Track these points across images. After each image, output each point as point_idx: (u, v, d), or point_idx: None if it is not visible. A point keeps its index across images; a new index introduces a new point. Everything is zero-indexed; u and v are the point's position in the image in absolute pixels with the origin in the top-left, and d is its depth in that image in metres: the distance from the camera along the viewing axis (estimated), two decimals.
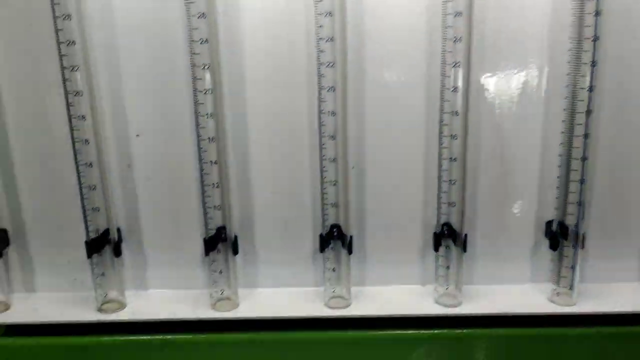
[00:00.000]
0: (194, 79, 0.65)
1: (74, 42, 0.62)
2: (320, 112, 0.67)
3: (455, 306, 0.74)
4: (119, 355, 0.74)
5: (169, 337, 0.74)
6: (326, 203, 0.71)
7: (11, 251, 0.76)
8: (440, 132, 0.69)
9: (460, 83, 0.65)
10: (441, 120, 0.68)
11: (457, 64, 0.64)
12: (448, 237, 0.73)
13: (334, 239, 0.73)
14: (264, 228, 0.76)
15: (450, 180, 0.69)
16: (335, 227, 0.72)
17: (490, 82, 0.70)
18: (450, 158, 0.68)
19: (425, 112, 0.71)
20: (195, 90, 0.65)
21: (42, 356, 0.75)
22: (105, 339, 0.74)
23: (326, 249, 0.73)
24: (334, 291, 0.75)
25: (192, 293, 0.78)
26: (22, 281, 0.78)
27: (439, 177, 0.70)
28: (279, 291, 0.78)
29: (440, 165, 0.69)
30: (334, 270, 0.73)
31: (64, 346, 0.74)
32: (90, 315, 0.72)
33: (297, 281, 0.78)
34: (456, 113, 0.66)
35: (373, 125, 0.71)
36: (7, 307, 0.75)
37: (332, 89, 0.65)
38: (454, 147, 0.68)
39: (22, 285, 0.78)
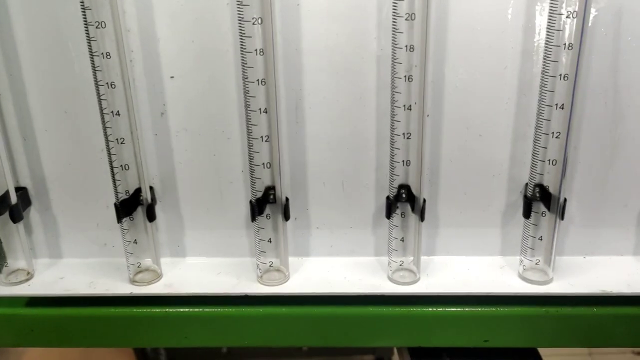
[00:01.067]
0: (240, 5, 0.52)
1: None
2: (394, 45, 0.54)
3: (545, 283, 0.62)
4: (154, 328, 0.66)
5: (208, 309, 0.65)
6: (395, 160, 0.59)
7: (33, 212, 0.67)
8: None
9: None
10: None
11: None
12: (540, 201, 0.60)
13: (402, 201, 0.61)
14: (318, 189, 0.65)
15: (552, 133, 0.56)
16: (404, 188, 0.61)
17: None
18: (556, 105, 0.54)
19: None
20: (241, 19, 0.53)
21: (69, 328, 0.67)
22: (138, 310, 0.65)
23: (393, 214, 0.61)
24: (401, 263, 0.63)
25: (236, 262, 0.68)
26: (46, 246, 0.69)
27: (537, 127, 0.57)
28: (335, 261, 0.68)
29: (539, 113, 0.56)
30: (402, 240, 0.62)
31: (94, 317, 0.65)
32: (122, 287, 0.64)
33: (357, 250, 0.68)
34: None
35: (455, 62, 0.58)
36: (30, 275, 0.66)
37: (412, 16, 0.52)
38: (559, 90, 0.54)
39: (46, 251, 0.69)
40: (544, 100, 0.56)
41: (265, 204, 0.61)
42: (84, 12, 0.53)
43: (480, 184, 0.64)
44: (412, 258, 0.63)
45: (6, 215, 0.63)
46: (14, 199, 0.62)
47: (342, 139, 0.62)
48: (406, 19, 0.53)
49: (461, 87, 0.59)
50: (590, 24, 0.54)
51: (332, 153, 0.63)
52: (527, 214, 0.61)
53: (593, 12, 0.54)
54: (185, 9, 0.57)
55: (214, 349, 1.62)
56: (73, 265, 0.68)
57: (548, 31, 0.53)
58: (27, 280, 0.66)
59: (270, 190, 0.61)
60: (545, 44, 0.54)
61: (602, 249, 0.66)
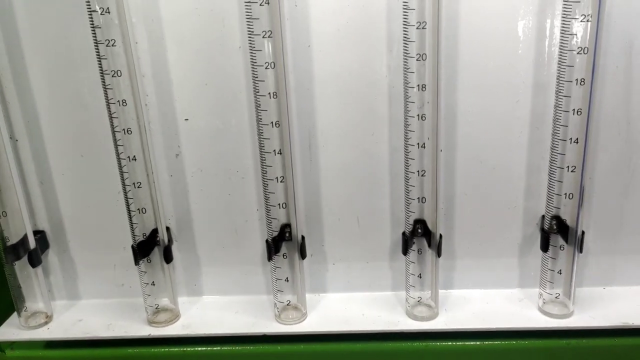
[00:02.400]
0: (253, 49, 0.53)
1: (107, 10, 0.51)
2: (406, 84, 0.54)
3: (566, 316, 0.61)
4: None
5: (226, 348, 0.65)
6: (410, 197, 0.59)
7: (51, 254, 0.67)
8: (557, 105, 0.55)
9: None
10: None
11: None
12: (558, 234, 0.60)
13: (418, 236, 0.61)
14: (334, 225, 0.65)
15: (567, 167, 0.55)
16: (420, 223, 0.61)
17: None
18: (570, 139, 0.54)
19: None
20: (254, 64, 0.54)
21: None
22: (156, 350, 0.65)
23: (409, 250, 0.61)
24: (419, 299, 0.63)
25: (252, 299, 0.68)
26: (64, 287, 0.69)
27: (552, 161, 0.57)
28: (352, 297, 0.67)
29: (553, 147, 0.56)
30: (419, 276, 0.62)
31: (112, 358, 0.65)
32: (140, 329, 0.64)
33: (374, 285, 0.67)
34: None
35: (466, 98, 0.59)
36: (49, 318, 0.66)
37: (423, 56, 0.53)
38: (573, 125, 0.54)
39: (64, 292, 0.70)
40: (558, 134, 0.55)
41: (282, 242, 0.61)
42: (99, 61, 0.54)
43: (495, 216, 0.63)
44: (430, 293, 0.63)
45: (25, 259, 0.63)
46: (32, 243, 0.63)
47: (356, 175, 0.62)
48: (417, 60, 0.53)
49: (473, 122, 0.60)
50: (601, 58, 0.54)
51: (346, 189, 0.63)
52: (545, 247, 0.60)
53: (604, 46, 0.54)
54: (198, 53, 0.58)
55: None
56: (91, 306, 0.69)
57: (559, 66, 0.54)
58: (46, 323, 0.66)
59: (285, 228, 0.61)
60: (557, 78, 0.54)
61: (621, 279, 0.66)
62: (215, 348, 0.65)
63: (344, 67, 0.58)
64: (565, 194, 0.57)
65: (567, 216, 0.59)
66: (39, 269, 0.65)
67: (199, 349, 0.65)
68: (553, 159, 0.57)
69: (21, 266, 0.64)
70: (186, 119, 0.61)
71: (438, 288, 0.63)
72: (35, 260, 0.63)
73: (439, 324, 0.62)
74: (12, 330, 0.65)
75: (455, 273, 0.66)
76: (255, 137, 0.59)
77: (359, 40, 0.57)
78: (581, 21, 0.51)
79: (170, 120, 0.61)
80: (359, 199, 0.63)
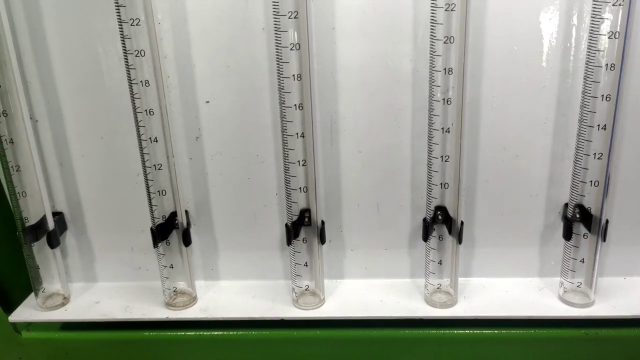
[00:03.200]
0: (278, 30, 0.52)
1: None
2: (432, 67, 0.54)
3: (587, 306, 0.61)
4: (188, 351, 0.66)
5: (243, 332, 0.64)
6: (433, 182, 0.59)
7: (69, 236, 0.67)
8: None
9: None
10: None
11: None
12: (581, 222, 0.59)
13: (438, 223, 0.61)
14: (353, 211, 0.64)
15: (594, 154, 0.55)
16: (441, 209, 0.60)
17: None
18: (598, 126, 0.54)
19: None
20: (278, 45, 0.53)
21: (103, 351, 0.67)
22: (173, 334, 0.65)
23: (430, 237, 0.61)
24: (438, 286, 0.63)
25: (270, 284, 0.68)
26: (82, 269, 0.69)
27: (578, 148, 0.56)
28: (370, 283, 0.67)
29: (580, 133, 0.55)
30: (440, 263, 0.61)
31: (128, 341, 0.65)
32: (158, 311, 0.63)
33: (392, 272, 0.67)
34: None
35: (492, 83, 0.58)
36: (66, 299, 0.66)
37: (450, 39, 0.52)
38: (600, 111, 0.54)
39: (81, 274, 0.69)
40: (585, 120, 0.55)
41: (301, 226, 0.61)
42: (123, 41, 0.53)
43: (517, 204, 0.63)
44: (449, 280, 0.62)
45: (43, 240, 0.63)
46: (51, 224, 0.63)
47: (377, 161, 0.62)
48: (444, 42, 0.52)
49: (498, 108, 0.59)
50: (632, 43, 0.53)
51: (367, 175, 0.62)
52: (567, 235, 0.60)
53: (634, 31, 0.53)
54: (220, 35, 0.57)
55: None
56: (108, 289, 0.68)
57: (589, 51, 0.53)
58: (63, 305, 0.66)
59: (305, 213, 0.61)
60: (586, 64, 0.53)
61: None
62: (232, 332, 0.65)
63: (368, 50, 0.57)
64: (591, 181, 0.56)
65: (591, 204, 0.58)
66: (57, 250, 0.64)
67: (216, 332, 0.65)
68: (579, 145, 0.56)
69: (39, 247, 0.64)
70: (207, 102, 0.60)
71: (458, 276, 0.62)
72: (54, 241, 0.63)
73: (457, 311, 0.62)
74: (29, 311, 0.65)
75: (475, 260, 0.66)
76: (276, 120, 0.59)
77: (385, 23, 0.56)
78: (613, 5, 0.50)
79: (191, 102, 0.60)
80: (380, 185, 0.63)
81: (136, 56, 0.54)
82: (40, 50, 0.58)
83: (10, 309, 0.65)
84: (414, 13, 0.55)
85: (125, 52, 0.54)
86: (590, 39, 0.52)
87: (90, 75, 0.59)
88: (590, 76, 0.53)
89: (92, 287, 0.69)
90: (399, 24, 0.56)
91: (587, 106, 0.54)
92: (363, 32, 0.56)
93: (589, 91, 0.54)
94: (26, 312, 0.65)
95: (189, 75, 0.59)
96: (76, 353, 0.67)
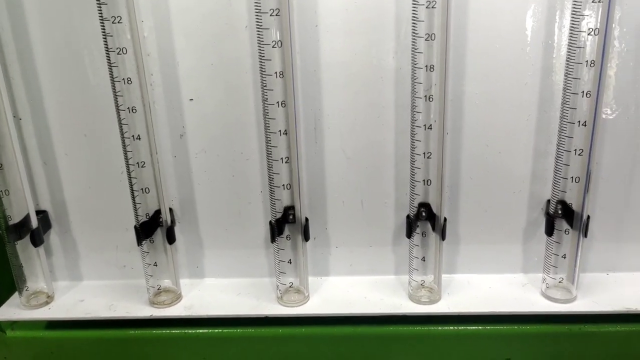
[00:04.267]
0: (260, 28, 0.52)
1: None
2: (414, 64, 0.54)
3: (569, 301, 0.61)
4: (173, 349, 0.66)
5: (228, 330, 0.64)
6: (416, 179, 0.59)
7: (53, 235, 0.67)
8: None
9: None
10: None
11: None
12: (563, 218, 0.59)
13: (422, 220, 0.61)
14: (337, 208, 0.64)
15: (575, 150, 0.55)
16: (424, 206, 0.60)
17: None
18: (579, 122, 0.54)
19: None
20: (261, 43, 0.53)
21: (89, 350, 0.66)
22: (158, 332, 0.65)
23: (414, 233, 0.61)
24: (422, 282, 0.63)
25: (254, 282, 0.68)
26: (66, 268, 0.69)
27: (559, 144, 0.56)
28: (355, 280, 0.67)
29: (561, 130, 0.56)
30: (423, 259, 0.62)
31: (113, 339, 0.65)
32: (142, 309, 0.63)
33: (376, 268, 0.67)
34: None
35: (474, 80, 0.58)
36: (50, 298, 0.66)
37: (432, 36, 0.52)
38: (581, 108, 0.54)
39: (66, 273, 0.69)
40: (566, 117, 0.55)
41: (285, 224, 0.61)
42: (105, 39, 0.53)
43: (500, 201, 0.63)
44: (432, 277, 0.63)
45: (27, 238, 0.63)
46: (34, 223, 0.63)
47: (361, 158, 0.62)
48: (426, 39, 0.53)
49: (481, 105, 0.59)
50: (611, 40, 0.53)
51: (351, 172, 0.63)
52: (549, 231, 0.60)
53: (614, 29, 0.54)
54: (204, 33, 0.57)
55: None
56: (92, 287, 0.68)
57: (569, 48, 0.53)
58: (47, 303, 0.66)
59: (289, 210, 0.61)
60: (567, 61, 0.54)
61: (625, 265, 0.66)
62: (216, 330, 0.65)
63: (351, 48, 0.57)
64: (572, 177, 0.57)
65: (573, 200, 0.58)
66: (41, 249, 0.64)
67: (201, 330, 0.65)
68: (561, 141, 0.56)
69: (23, 246, 0.63)
70: (191, 99, 0.60)
71: (441, 272, 0.63)
72: (37, 239, 0.63)
73: (441, 307, 0.62)
74: (13, 310, 0.65)
75: (459, 257, 0.66)
76: (260, 118, 0.59)
77: (367, 20, 0.56)
78: (593, 1, 0.50)
79: (175, 100, 0.60)
80: (364, 182, 0.63)
81: (118, 54, 0.53)
82: (23, 47, 0.58)
83: None
84: (396, 10, 0.56)
85: (107, 50, 0.54)
86: (571, 36, 0.53)
87: (73, 73, 0.59)
88: (571, 73, 0.54)
89: (76, 286, 0.69)
90: (382, 21, 0.56)
91: (567, 103, 0.55)
92: (346, 29, 0.57)
93: (569, 88, 0.54)
94: (10, 310, 0.65)
95: (173, 73, 0.59)
96: (61, 352, 0.67)
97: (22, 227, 0.62)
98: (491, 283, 0.65)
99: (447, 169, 0.61)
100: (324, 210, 0.65)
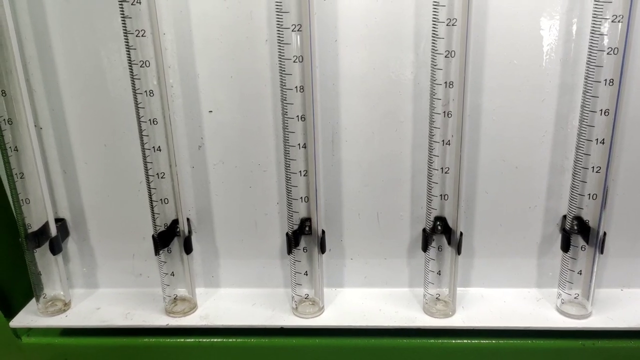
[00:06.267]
0: (281, 42, 0.53)
1: (138, 1, 0.51)
2: (433, 81, 0.54)
3: (584, 317, 0.62)
4: (189, 358, 0.66)
5: (242, 340, 0.65)
6: (432, 194, 0.59)
7: (70, 242, 0.68)
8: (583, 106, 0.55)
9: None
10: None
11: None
12: (579, 234, 0.60)
13: (438, 233, 0.61)
14: (353, 220, 0.65)
15: (592, 168, 0.55)
16: (440, 220, 0.61)
17: None
18: (597, 140, 0.54)
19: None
20: (282, 57, 0.54)
21: (103, 357, 0.67)
22: (173, 340, 0.65)
23: (429, 247, 0.61)
24: (437, 296, 0.63)
25: (269, 292, 0.68)
26: (83, 275, 0.70)
27: (576, 161, 0.56)
28: (369, 292, 0.67)
29: (579, 147, 0.56)
30: (439, 273, 0.62)
31: (128, 347, 0.66)
32: (158, 318, 0.64)
33: (391, 281, 0.67)
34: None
35: (492, 96, 0.59)
36: (67, 305, 0.67)
37: (451, 53, 0.53)
38: (599, 126, 0.54)
39: (82, 281, 0.70)
40: (584, 134, 0.55)
41: (301, 236, 0.62)
42: (128, 52, 0.54)
43: (516, 215, 0.63)
44: (447, 290, 0.63)
45: (45, 246, 0.63)
46: (54, 231, 0.63)
47: (378, 171, 0.62)
48: (445, 56, 0.53)
49: (498, 120, 0.59)
50: (630, 59, 0.54)
51: (368, 185, 0.63)
52: (565, 247, 0.60)
53: (633, 47, 0.54)
54: (224, 45, 0.58)
55: None
56: (109, 295, 0.69)
57: (588, 66, 0.53)
58: (64, 310, 0.66)
59: (306, 222, 0.61)
60: (585, 78, 0.54)
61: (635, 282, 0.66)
62: (231, 340, 0.65)
63: (370, 62, 0.58)
64: (589, 194, 0.57)
65: (589, 217, 0.59)
66: (59, 257, 0.65)
67: (215, 340, 0.65)
68: (578, 159, 0.57)
69: (41, 253, 0.64)
70: (210, 111, 0.61)
71: (456, 286, 0.63)
72: (56, 248, 0.63)
73: (456, 321, 0.62)
74: (30, 317, 0.66)
75: (474, 271, 0.67)
76: (278, 131, 0.60)
77: (386, 36, 0.57)
78: (612, 21, 0.50)
79: (195, 112, 0.61)
80: (380, 195, 0.63)
81: (141, 67, 0.54)
82: (45, 58, 0.59)
83: (11, 315, 0.66)
84: (416, 26, 0.56)
85: (130, 63, 0.54)
86: (590, 54, 0.53)
87: (94, 84, 0.60)
88: (590, 91, 0.54)
89: (93, 294, 0.69)
90: (401, 37, 0.57)
91: (585, 120, 0.55)
92: (365, 44, 0.57)
93: (588, 105, 0.54)
94: (27, 317, 0.66)
95: (193, 85, 0.60)
96: (76, 359, 0.67)
97: (41, 235, 0.63)
98: (505, 297, 0.66)
99: (464, 183, 0.61)
100: (339, 222, 0.65)
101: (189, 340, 0.65)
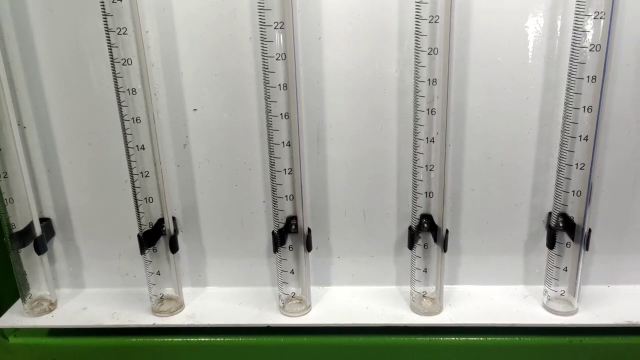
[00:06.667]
0: (264, 40, 0.53)
1: None
2: (417, 78, 0.54)
3: (570, 314, 0.62)
4: (176, 358, 0.66)
5: (229, 339, 0.65)
6: (418, 191, 0.59)
7: (56, 242, 0.68)
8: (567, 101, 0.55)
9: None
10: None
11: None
12: (565, 231, 0.60)
13: (424, 231, 0.61)
14: (339, 218, 0.65)
15: (576, 165, 0.55)
16: (426, 217, 0.61)
17: None
18: (580, 137, 0.54)
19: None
20: (264, 55, 0.53)
21: (90, 357, 0.66)
22: (160, 340, 0.65)
23: (415, 245, 0.61)
24: (424, 294, 0.63)
25: (256, 291, 0.68)
26: (69, 275, 0.69)
27: (560, 158, 0.57)
28: (356, 290, 0.67)
29: (563, 144, 0.56)
30: (425, 270, 0.62)
31: (115, 347, 0.65)
32: (145, 318, 0.64)
33: (378, 279, 0.67)
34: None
35: (476, 93, 0.59)
36: (53, 305, 0.66)
37: (434, 50, 0.52)
38: (583, 123, 0.54)
39: (69, 281, 0.70)
40: (567, 131, 0.55)
41: (287, 234, 0.61)
42: (110, 49, 0.53)
43: (502, 213, 0.64)
44: (434, 288, 0.63)
45: (30, 246, 0.63)
46: (38, 230, 0.63)
47: (364, 169, 0.62)
48: (429, 53, 0.53)
49: (482, 118, 0.59)
50: (612, 56, 0.54)
51: (353, 183, 0.63)
52: (551, 244, 0.60)
53: (615, 44, 0.54)
54: (208, 44, 0.57)
55: None
56: (95, 295, 0.69)
57: (571, 63, 0.54)
58: (50, 310, 0.66)
59: (292, 221, 0.61)
60: (568, 75, 0.54)
61: (626, 278, 0.66)
62: (218, 339, 0.65)
63: (354, 60, 0.58)
64: (573, 191, 0.57)
65: (574, 214, 0.59)
66: (45, 257, 0.65)
67: (203, 339, 0.65)
68: (562, 156, 0.57)
69: (27, 253, 0.64)
70: (195, 109, 0.60)
71: (443, 283, 0.63)
72: (40, 247, 0.63)
73: (443, 318, 0.62)
74: (16, 317, 0.65)
75: (460, 268, 0.67)
76: (263, 129, 0.59)
77: (370, 33, 0.57)
78: (594, 18, 0.50)
79: (179, 110, 0.61)
80: (366, 193, 0.63)
81: (123, 64, 0.54)
82: (28, 56, 0.59)
83: None
84: (399, 23, 0.56)
85: (112, 61, 0.54)
86: (572, 51, 0.53)
87: (78, 82, 0.60)
88: (573, 88, 0.54)
89: (79, 293, 0.69)
90: (385, 34, 0.57)
91: (569, 117, 0.55)
92: (349, 41, 0.57)
93: (571, 102, 0.54)
94: (13, 318, 0.65)
95: (177, 83, 0.59)
96: (63, 359, 0.67)
97: (26, 234, 0.62)
98: (492, 294, 0.66)
99: (450, 180, 0.61)
100: (326, 221, 0.65)
101: (176, 339, 0.65)
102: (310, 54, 0.58)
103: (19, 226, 0.62)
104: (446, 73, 0.53)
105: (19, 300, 0.67)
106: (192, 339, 0.65)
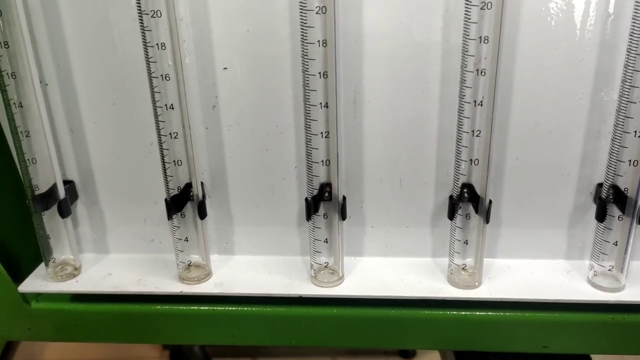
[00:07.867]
0: None
1: None
2: (466, 36, 0.50)
3: (616, 290, 0.59)
4: (201, 326, 0.64)
5: (257, 309, 0.63)
6: (461, 158, 0.56)
7: (79, 206, 0.65)
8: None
9: None
10: None
11: None
12: (615, 204, 0.56)
13: (464, 201, 0.58)
14: (375, 186, 0.62)
15: (635, 132, 0.52)
16: (467, 187, 0.57)
17: None
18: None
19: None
20: (303, 8, 0.50)
21: (114, 324, 0.65)
22: (186, 308, 0.63)
23: (456, 214, 0.58)
24: (463, 266, 0.60)
25: (286, 260, 0.66)
26: (93, 241, 0.67)
27: (617, 125, 0.53)
28: (390, 262, 0.65)
29: (620, 109, 0.52)
30: (466, 242, 0.59)
31: (140, 314, 0.64)
32: (172, 285, 0.62)
33: (412, 250, 0.65)
34: None
35: (526, 54, 0.55)
36: (77, 270, 0.64)
37: (488, 5, 0.48)
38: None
39: (92, 246, 0.68)
40: (626, 96, 0.51)
41: (320, 201, 0.59)
42: (138, 2, 0.50)
43: (547, 183, 0.60)
44: (473, 261, 0.60)
45: (54, 209, 0.61)
46: (62, 193, 0.61)
47: (402, 135, 0.59)
48: (481, 8, 0.49)
49: (532, 81, 0.56)
50: None
51: (391, 149, 0.60)
52: (601, 217, 0.57)
53: None
54: None
55: None
56: (120, 261, 0.67)
57: (634, 21, 0.49)
58: (74, 276, 0.64)
59: (325, 188, 0.58)
60: (630, 34, 0.50)
61: None
62: (247, 308, 0.63)
63: (396, 17, 0.54)
64: (629, 160, 0.53)
65: (628, 185, 0.55)
66: (68, 220, 0.62)
67: (230, 308, 0.63)
68: (618, 122, 0.53)
69: (50, 216, 0.61)
70: (225, 68, 0.57)
71: (483, 256, 0.60)
72: (64, 210, 0.61)
73: (482, 292, 0.59)
74: (39, 282, 0.64)
75: (500, 241, 0.64)
76: (297, 90, 0.56)
77: None
78: None
79: (208, 69, 0.57)
80: (404, 160, 0.60)
81: (152, 17, 0.50)
82: (49, 9, 0.55)
83: (19, 279, 0.64)
84: None
85: (140, 13, 0.50)
86: (636, 10, 0.49)
87: (102, 38, 0.56)
88: (635, 49, 0.50)
89: (103, 259, 0.67)
90: None
91: (629, 80, 0.51)
92: None
93: (631, 65, 0.50)
94: (36, 282, 0.64)
95: (206, 40, 0.56)
96: (86, 325, 0.66)
97: (49, 197, 0.60)
98: (533, 268, 0.63)
99: (495, 148, 0.57)
100: (360, 188, 0.62)
101: (203, 307, 0.63)
102: (349, 9, 0.54)
103: (42, 188, 0.59)
104: (497, 31, 0.49)
105: (41, 265, 0.65)
106: (219, 308, 0.63)
